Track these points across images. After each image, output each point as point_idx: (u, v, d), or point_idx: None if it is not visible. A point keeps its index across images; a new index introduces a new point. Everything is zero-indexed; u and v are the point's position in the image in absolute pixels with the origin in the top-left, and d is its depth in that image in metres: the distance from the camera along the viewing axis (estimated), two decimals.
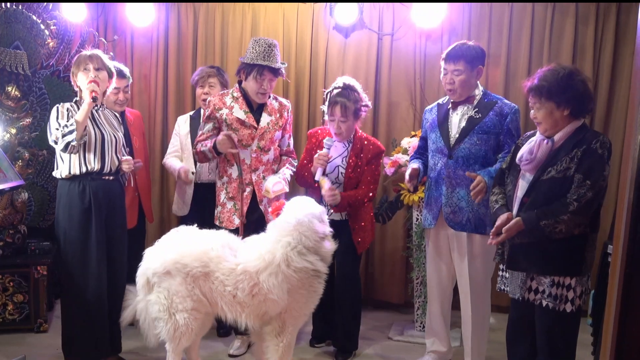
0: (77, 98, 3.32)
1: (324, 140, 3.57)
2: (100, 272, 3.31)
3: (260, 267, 2.96)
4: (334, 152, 3.64)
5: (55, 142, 3.20)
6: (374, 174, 3.66)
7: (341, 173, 3.64)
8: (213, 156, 3.61)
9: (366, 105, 3.66)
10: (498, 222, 2.74)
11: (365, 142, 3.68)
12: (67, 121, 3.16)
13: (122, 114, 4.16)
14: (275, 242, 3.01)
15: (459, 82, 3.31)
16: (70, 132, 3.10)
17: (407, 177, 3.42)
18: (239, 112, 3.63)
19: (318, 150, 3.58)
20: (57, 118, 3.23)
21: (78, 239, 3.28)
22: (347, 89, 3.60)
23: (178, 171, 4.07)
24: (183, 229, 3.23)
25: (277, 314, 3.05)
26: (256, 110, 3.68)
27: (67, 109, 3.26)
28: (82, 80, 3.25)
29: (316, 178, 3.51)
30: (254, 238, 3.17)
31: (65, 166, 3.28)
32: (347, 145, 3.66)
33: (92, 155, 3.26)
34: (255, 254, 3.01)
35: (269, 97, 3.72)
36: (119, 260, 3.44)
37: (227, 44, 4.94)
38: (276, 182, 3.56)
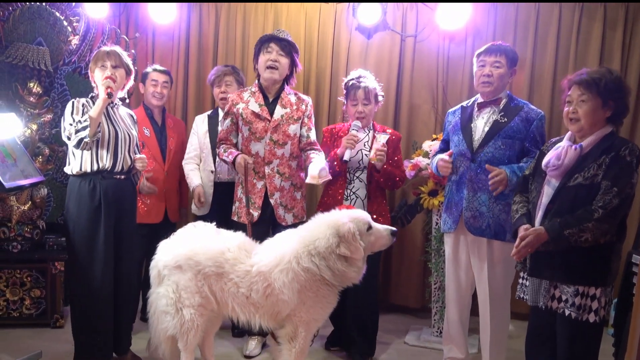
0: (93, 94, 3.31)
1: (353, 123, 3.63)
2: (106, 272, 3.26)
3: (273, 264, 2.92)
4: None
5: (69, 138, 3.18)
6: (400, 157, 3.81)
7: (365, 155, 3.66)
8: (232, 168, 3.71)
9: (382, 94, 3.78)
10: (520, 236, 2.68)
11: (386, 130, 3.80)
12: (82, 117, 3.14)
13: (163, 113, 4.23)
14: (296, 237, 2.97)
15: (497, 75, 3.29)
16: (84, 128, 3.08)
17: (446, 157, 3.38)
18: (254, 105, 3.70)
19: (337, 148, 3.65)
20: (72, 113, 3.20)
21: (86, 237, 3.25)
22: (366, 76, 3.72)
23: (193, 189, 4.12)
24: (200, 224, 3.21)
25: (289, 317, 3.01)
26: (271, 103, 3.73)
27: (83, 105, 3.23)
28: (98, 77, 3.24)
29: (345, 158, 3.52)
30: (274, 239, 3.12)
31: (76, 163, 3.26)
32: (368, 132, 3.73)
33: (104, 152, 3.23)
34: (270, 253, 2.98)
35: (287, 89, 3.76)
36: (128, 259, 3.41)
37: (248, 44, 4.93)
38: (322, 168, 3.41)
